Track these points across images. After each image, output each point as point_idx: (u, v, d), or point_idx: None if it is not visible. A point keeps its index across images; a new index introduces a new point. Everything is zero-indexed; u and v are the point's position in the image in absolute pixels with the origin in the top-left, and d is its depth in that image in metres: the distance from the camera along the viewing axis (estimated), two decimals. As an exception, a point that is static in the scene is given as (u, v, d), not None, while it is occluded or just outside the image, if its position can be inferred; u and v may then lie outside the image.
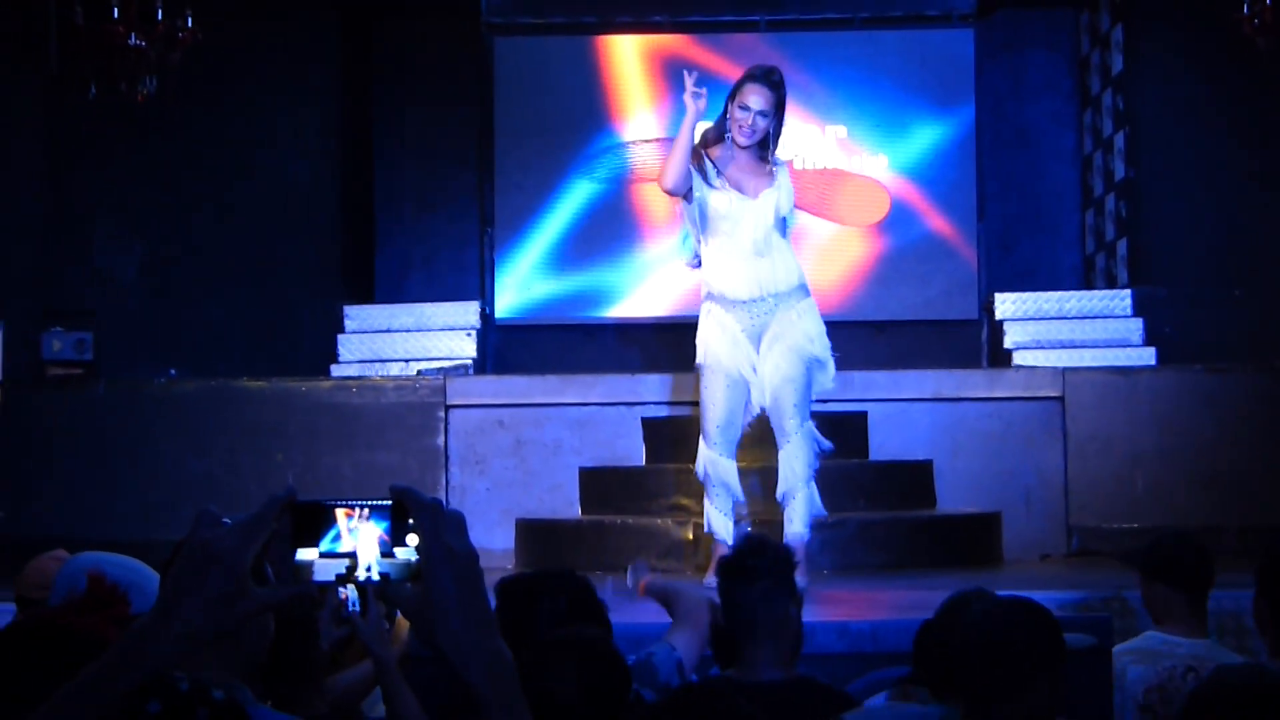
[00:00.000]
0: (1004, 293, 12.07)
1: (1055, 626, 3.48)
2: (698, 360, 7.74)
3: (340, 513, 2.02)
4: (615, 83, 12.89)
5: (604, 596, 3.95)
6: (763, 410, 7.67)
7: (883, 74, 12.76)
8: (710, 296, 7.74)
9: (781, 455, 7.61)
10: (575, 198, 12.77)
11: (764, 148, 7.62)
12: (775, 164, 7.68)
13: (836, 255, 12.69)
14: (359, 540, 2.02)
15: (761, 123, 7.52)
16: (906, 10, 12.82)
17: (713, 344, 7.66)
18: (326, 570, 2.02)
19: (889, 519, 8.80)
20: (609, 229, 12.78)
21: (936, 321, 12.69)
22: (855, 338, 11.98)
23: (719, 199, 7.56)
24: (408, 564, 2.01)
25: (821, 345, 7.69)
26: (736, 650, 4.25)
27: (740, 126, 7.53)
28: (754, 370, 7.58)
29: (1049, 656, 3.39)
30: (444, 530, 1.99)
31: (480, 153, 12.96)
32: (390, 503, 2.02)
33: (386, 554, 2.02)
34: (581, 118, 12.87)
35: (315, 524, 2.02)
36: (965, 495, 9.38)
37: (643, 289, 12.68)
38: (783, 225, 7.73)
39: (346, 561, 2.02)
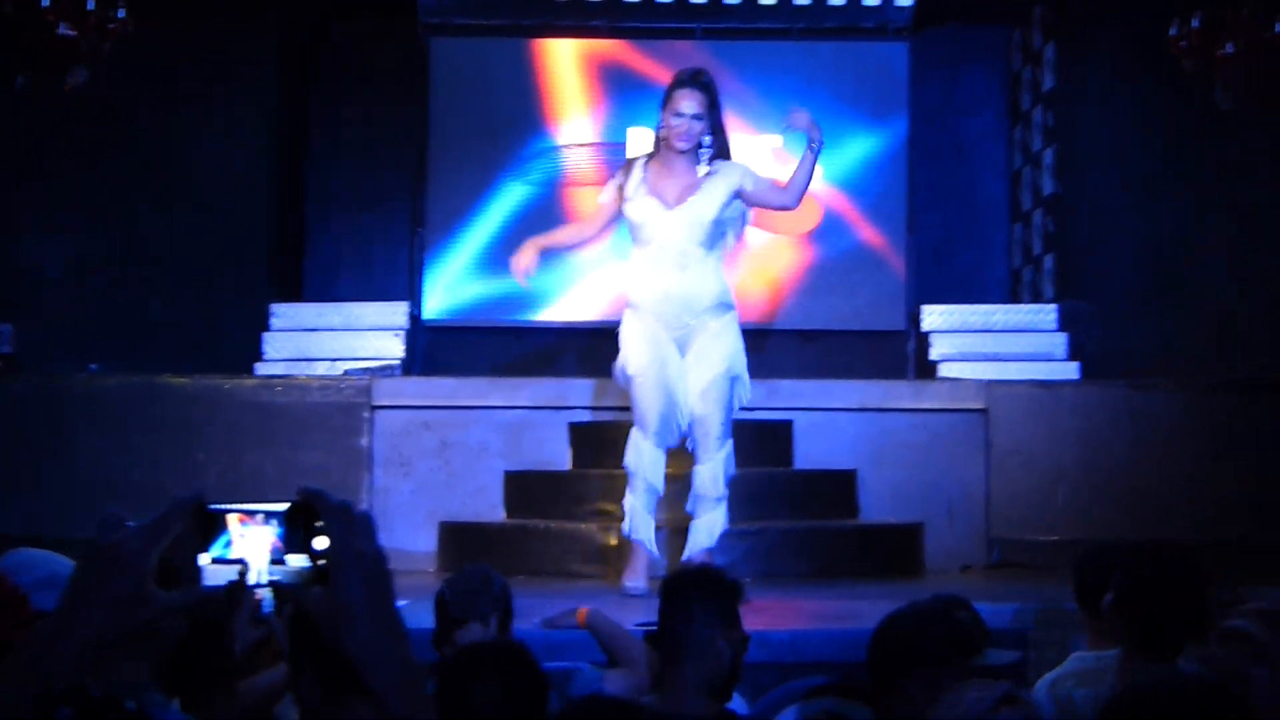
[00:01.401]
0: (931, 305, 12.05)
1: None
2: (621, 366, 7.71)
3: (233, 518, 1.99)
4: (551, 86, 12.82)
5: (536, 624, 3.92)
6: (688, 421, 7.64)
7: (818, 85, 12.70)
8: (631, 304, 7.74)
9: (699, 470, 7.61)
10: (508, 200, 12.64)
11: (700, 156, 7.59)
12: (711, 170, 7.61)
13: (767, 264, 12.67)
14: (251, 546, 1.99)
15: (697, 126, 7.51)
16: (842, 22, 12.78)
17: (638, 348, 7.63)
18: (216, 576, 1.98)
19: (812, 528, 8.82)
20: (539, 232, 12.25)
21: (864, 332, 12.63)
22: (783, 346, 12.17)
23: (635, 209, 7.58)
24: (300, 572, 1.98)
25: (740, 362, 7.68)
26: (664, 674, 4.17)
27: (677, 133, 7.51)
28: (680, 379, 7.57)
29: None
30: (353, 534, 1.95)
31: (414, 153, 12.88)
32: (286, 509, 1.99)
33: (278, 561, 1.99)
34: (517, 120, 12.78)
35: (209, 529, 1.99)
36: (888, 505, 9.35)
37: (573, 293, 12.60)
38: (718, 234, 7.69)
39: (237, 568, 1.98)
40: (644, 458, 7.58)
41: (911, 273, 12.73)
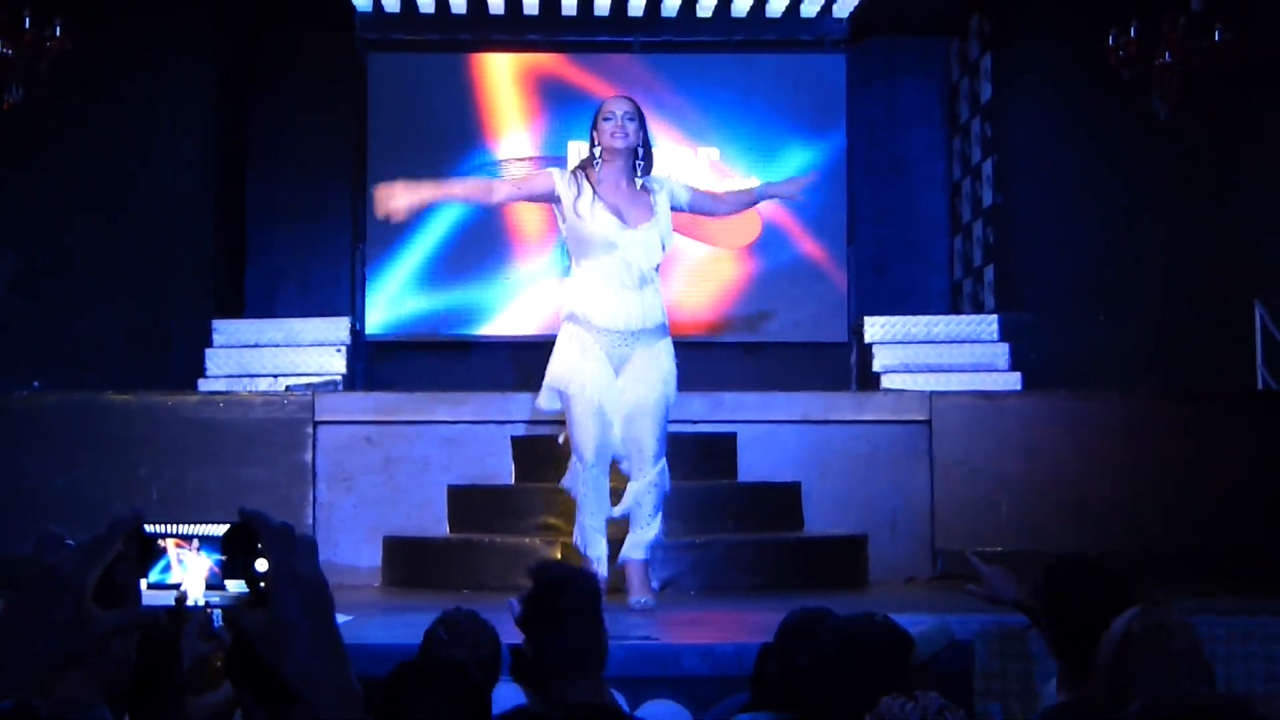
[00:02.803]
0: (873, 316, 12.08)
1: (906, 642, 3.45)
2: (555, 382, 7.56)
3: (170, 543, 1.98)
4: (489, 101, 12.88)
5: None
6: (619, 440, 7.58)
7: (756, 97, 12.83)
8: (573, 318, 7.58)
9: (633, 489, 7.51)
10: (448, 215, 12.69)
11: (637, 169, 7.49)
12: (650, 187, 7.55)
13: (708, 277, 12.75)
14: (188, 571, 1.97)
15: (630, 125, 7.44)
16: (780, 34, 12.86)
17: (577, 367, 7.52)
18: (154, 601, 1.96)
19: (757, 540, 8.68)
20: (481, 246, 12.77)
21: (807, 344, 12.73)
22: (726, 359, 12.26)
23: (592, 223, 7.41)
24: (237, 597, 1.96)
25: (673, 384, 7.61)
26: (546, 680, 4.02)
27: (611, 133, 7.43)
28: (615, 399, 7.49)
29: (896, 672, 3.33)
30: (293, 556, 1.91)
31: (354, 167, 12.86)
32: (225, 531, 1.98)
33: (216, 586, 1.97)
34: (455, 135, 12.84)
35: (147, 553, 1.96)
36: (832, 517, 9.30)
37: (514, 307, 12.64)
38: (660, 252, 7.61)
39: (174, 593, 1.96)
40: (588, 484, 7.50)
41: (853, 285, 12.89)
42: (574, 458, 7.58)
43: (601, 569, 7.40)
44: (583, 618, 4.00)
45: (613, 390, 7.47)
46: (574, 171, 7.56)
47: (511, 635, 4.12)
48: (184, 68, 12.18)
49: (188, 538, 1.97)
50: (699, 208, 7.85)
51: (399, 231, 12.38)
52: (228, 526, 1.97)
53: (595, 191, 7.46)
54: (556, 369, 7.58)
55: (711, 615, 7.29)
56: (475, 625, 4.38)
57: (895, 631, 3.49)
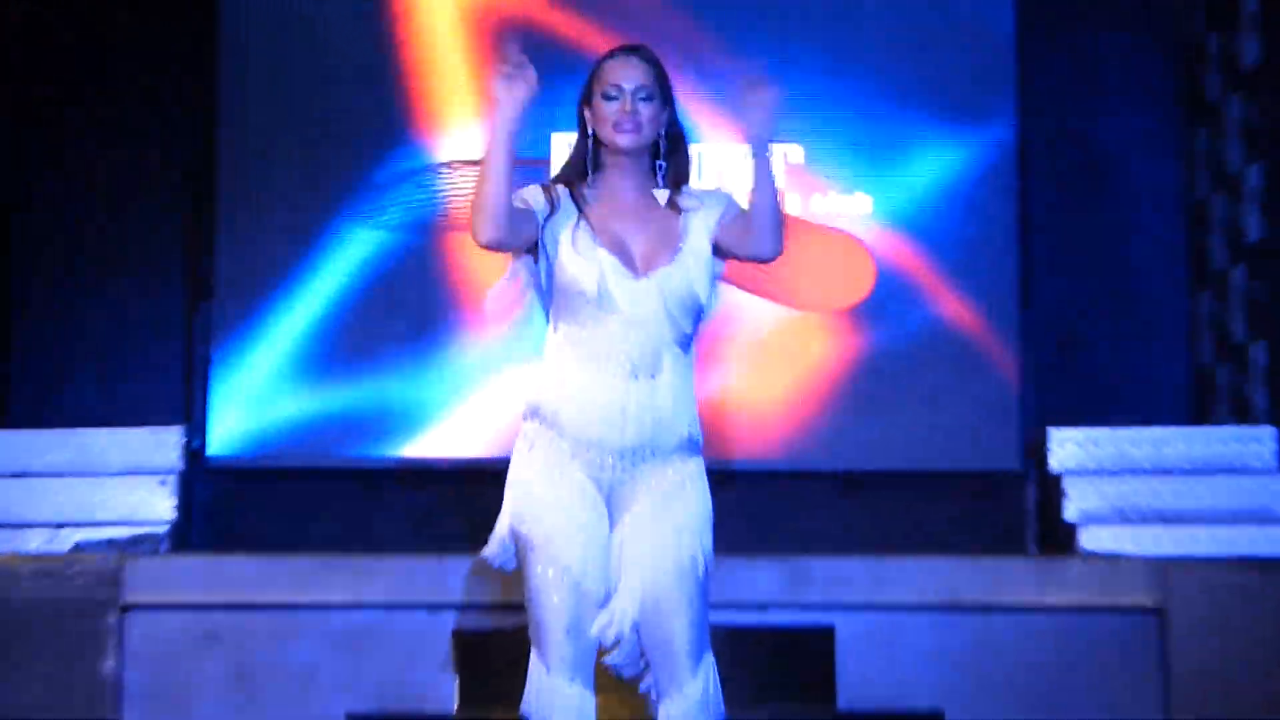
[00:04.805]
0: (1064, 427, 11.58)
1: None
2: (507, 532, 7.27)
3: None
4: (417, 66, 12.75)
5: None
6: (620, 636, 7.15)
7: (867, 58, 12.70)
8: (538, 415, 7.27)
9: (662, 715, 7.15)
10: (346, 257, 12.61)
11: (660, 175, 7.32)
12: (684, 205, 7.30)
13: (784, 359, 12.55)
14: None
15: (647, 110, 7.20)
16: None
17: (539, 498, 7.23)
18: None
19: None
20: (402, 310, 12.63)
21: (950, 473, 12.56)
22: (814, 498, 12.30)
23: (576, 266, 7.13)
24: None
25: (710, 538, 7.30)
26: None
27: (615, 123, 7.20)
28: (606, 559, 7.18)
29: None
30: None
31: (193, 179, 12.79)
32: None
33: None
34: (359, 123, 12.68)
35: None
36: (1000, 774, 9.16)
37: (457, 414, 12.47)
38: (698, 317, 7.36)
39: None
40: (556, 705, 7.10)
41: (1029, 374, 12.64)
42: (533, 657, 7.14)
43: None
44: None
45: (601, 544, 7.17)
46: (551, 184, 7.31)
47: None
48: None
49: None
50: (729, 244, 7.37)
51: (266, 288, 12.48)
52: None
53: (583, 215, 7.24)
54: (509, 499, 7.33)
55: None
56: None
57: None
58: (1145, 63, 13.35)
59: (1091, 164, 13.17)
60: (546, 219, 7.20)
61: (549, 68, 11.38)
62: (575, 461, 7.21)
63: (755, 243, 7.23)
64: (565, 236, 7.21)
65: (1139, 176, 13.23)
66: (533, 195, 7.20)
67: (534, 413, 7.30)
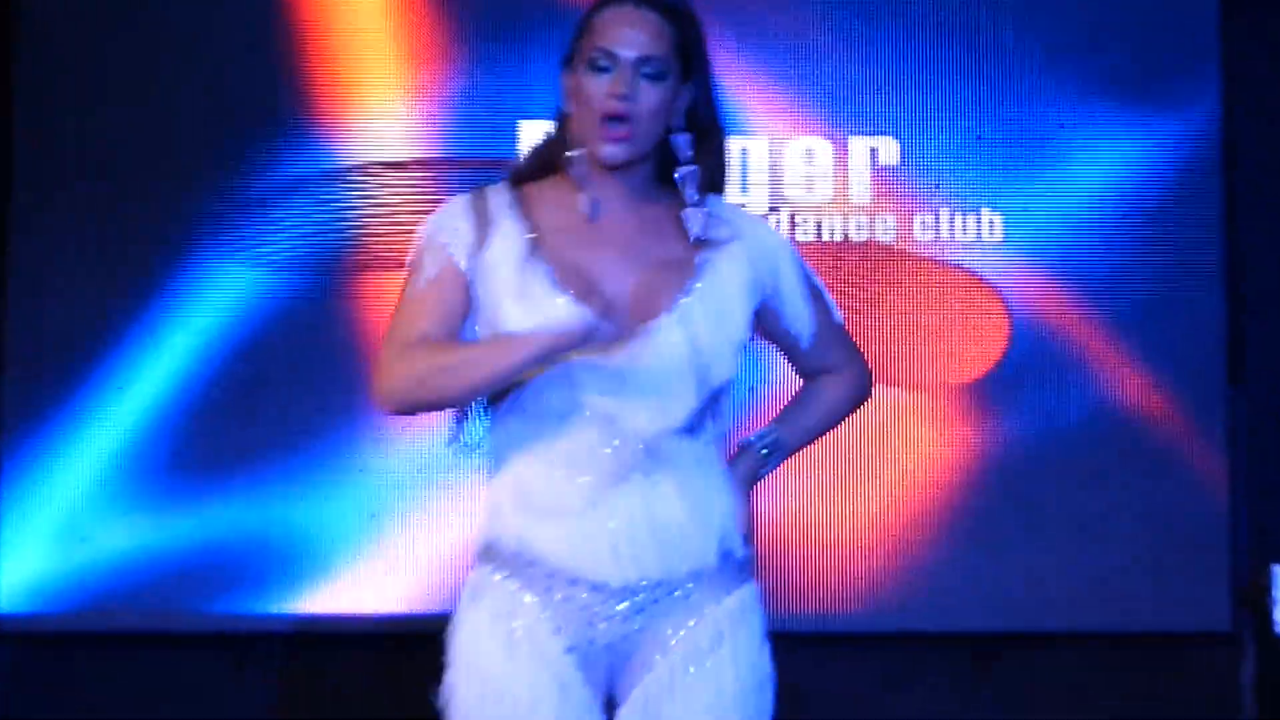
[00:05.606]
0: (1296, 567, 10.01)
1: None
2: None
3: None
4: (316, 24, 10.59)
5: None
6: None
7: (1005, 20, 10.61)
8: (492, 554, 5.60)
9: None
10: (203, 311, 10.43)
11: (682, 182, 5.68)
12: (721, 233, 5.74)
13: (876, 462, 10.52)
14: None
15: (653, 94, 5.62)
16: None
17: (491, 679, 5.62)
18: None
19: None
20: (290, 392, 10.56)
21: (1126, 635, 10.57)
22: (928, 669, 10.60)
23: (519, 314, 5.63)
24: None
25: (769, 701, 5.88)
26: None
27: (600, 115, 5.63)
28: None
29: None
30: None
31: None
32: None
33: None
34: (226, 111, 10.49)
35: None
36: None
37: (369, 552, 10.42)
38: (725, 386, 5.78)
39: None
40: None
41: (1243, 485, 10.70)
42: None
43: None
44: None
45: None
46: (482, 194, 5.86)
47: None
48: None
49: None
50: (770, 325, 5.95)
51: (73, 361, 10.37)
52: None
53: (537, 241, 5.82)
54: (452, 682, 5.73)
55: None
56: None
57: None
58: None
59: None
60: (473, 256, 5.87)
61: (520, 13, 11.44)
62: (546, 621, 5.68)
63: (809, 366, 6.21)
64: (506, 277, 5.77)
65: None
66: (450, 232, 5.86)
67: (484, 552, 5.78)
